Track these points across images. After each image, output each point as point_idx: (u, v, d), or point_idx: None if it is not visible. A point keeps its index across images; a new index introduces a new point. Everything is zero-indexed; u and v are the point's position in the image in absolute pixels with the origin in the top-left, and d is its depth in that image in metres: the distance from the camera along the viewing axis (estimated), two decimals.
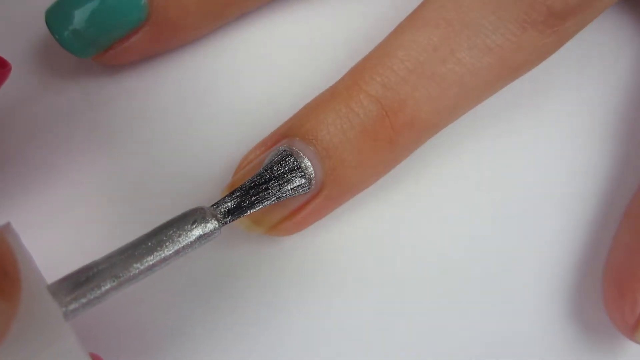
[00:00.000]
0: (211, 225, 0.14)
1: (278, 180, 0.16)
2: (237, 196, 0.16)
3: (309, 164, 0.16)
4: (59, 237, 0.18)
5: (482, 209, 0.19)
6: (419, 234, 0.19)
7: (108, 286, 0.13)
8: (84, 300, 0.13)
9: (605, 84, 0.20)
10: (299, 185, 0.16)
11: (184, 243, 0.14)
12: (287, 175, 0.16)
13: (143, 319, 0.18)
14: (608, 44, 0.20)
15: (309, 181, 0.16)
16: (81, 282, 0.13)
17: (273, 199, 0.16)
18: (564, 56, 0.18)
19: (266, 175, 0.16)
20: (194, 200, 0.19)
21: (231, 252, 0.19)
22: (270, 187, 0.16)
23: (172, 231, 0.14)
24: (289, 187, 0.16)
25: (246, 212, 0.15)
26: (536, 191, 0.20)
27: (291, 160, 0.16)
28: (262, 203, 0.16)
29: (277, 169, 0.16)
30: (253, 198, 0.16)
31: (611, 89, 0.20)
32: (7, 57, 0.18)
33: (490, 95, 0.17)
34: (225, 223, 0.15)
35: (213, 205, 0.15)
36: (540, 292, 0.19)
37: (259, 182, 0.16)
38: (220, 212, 0.15)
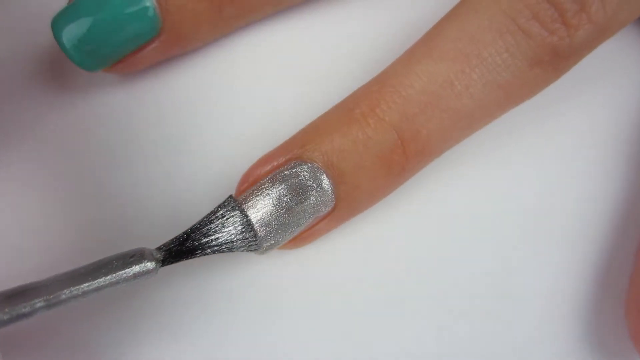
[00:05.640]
0: (149, 264, 0.15)
1: (215, 234, 0.16)
2: (181, 241, 0.16)
3: (326, 185, 0.16)
4: (61, 241, 0.19)
5: (483, 211, 0.19)
6: (422, 237, 0.19)
7: (37, 305, 0.14)
8: (11, 314, 0.14)
9: (609, 85, 0.20)
10: (239, 240, 0.16)
11: (119, 277, 0.15)
12: (226, 228, 0.16)
13: (143, 322, 0.19)
14: (613, 44, 0.20)
15: (245, 238, 0.16)
16: (10, 297, 0.14)
17: (208, 251, 0.16)
18: None
19: (206, 224, 0.16)
20: (198, 207, 0.19)
21: (232, 254, 0.19)
22: (210, 241, 0.16)
23: (111, 264, 0.15)
24: (225, 240, 0.16)
25: (185, 259, 0.16)
26: (538, 195, 0.20)
27: (237, 214, 0.16)
28: (203, 253, 0.16)
29: (216, 219, 0.16)
30: (194, 245, 0.16)
31: (618, 90, 0.20)
32: (17, 63, 0.19)
33: (489, 123, 0.18)
34: (164, 265, 0.16)
35: (159, 247, 0.16)
36: (541, 295, 0.19)
37: (199, 229, 0.16)
38: (161, 254, 0.16)
